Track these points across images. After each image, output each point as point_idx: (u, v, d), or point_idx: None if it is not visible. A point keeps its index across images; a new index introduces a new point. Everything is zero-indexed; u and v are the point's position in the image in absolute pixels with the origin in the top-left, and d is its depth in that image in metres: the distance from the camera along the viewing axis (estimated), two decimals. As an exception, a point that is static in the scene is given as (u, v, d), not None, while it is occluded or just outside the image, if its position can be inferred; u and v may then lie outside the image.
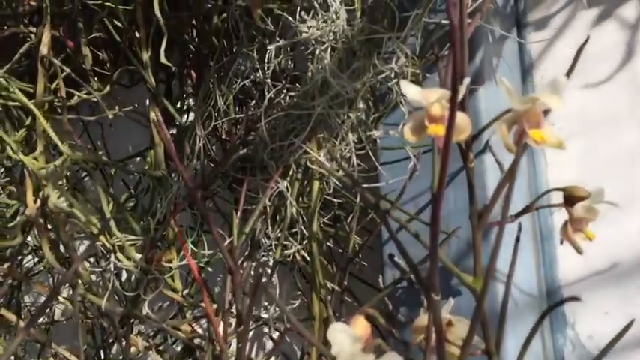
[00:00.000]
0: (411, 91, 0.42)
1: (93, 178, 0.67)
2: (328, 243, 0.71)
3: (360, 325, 0.44)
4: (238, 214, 0.58)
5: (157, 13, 0.64)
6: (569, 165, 0.71)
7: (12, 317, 0.68)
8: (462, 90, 0.40)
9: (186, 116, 0.82)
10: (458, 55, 0.33)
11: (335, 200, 0.70)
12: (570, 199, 0.49)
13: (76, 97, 0.74)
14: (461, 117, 0.42)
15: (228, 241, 0.60)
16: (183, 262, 0.67)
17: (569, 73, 0.47)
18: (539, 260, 0.70)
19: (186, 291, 0.70)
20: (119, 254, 0.62)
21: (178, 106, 0.82)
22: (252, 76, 0.72)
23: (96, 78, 0.83)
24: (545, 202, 0.64)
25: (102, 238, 0.63)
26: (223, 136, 0.77)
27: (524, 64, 0.75)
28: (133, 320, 0.64)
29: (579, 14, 0.72)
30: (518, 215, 0.52)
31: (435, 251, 0.42)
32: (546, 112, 0.43)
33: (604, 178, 0.69)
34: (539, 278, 0.69)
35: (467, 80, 0.41)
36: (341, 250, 0.70)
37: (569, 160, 0.71)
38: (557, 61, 0.73)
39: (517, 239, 0.55)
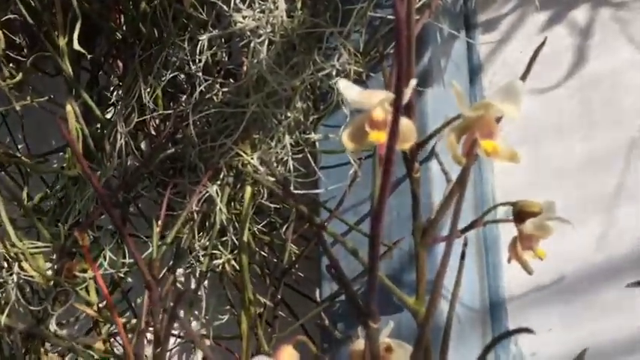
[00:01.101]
0: (350, 92, 0.37)
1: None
2: (262, 252, 0.65)
3: (287, 356, 0.39)
4: (159, 222, 0.52)
5: (72, -5, 0.58)
6: (517, 173, 0.68)
7: None
8: (408, 93, 0.36)
9: (112, 110, 0.75)
10: (403, 54, 0.28)
11: (271, 205, 0.65)
12: (521, 214, 0.45)
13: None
14: (405, 123, 0.38)
15: (147, 252, 0.54)
16: (100, 272, 0.60)
17: (523, 78, 0.43)
18: (482, 272, 0.67)
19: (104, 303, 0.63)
20: (24, 263, 0.55)
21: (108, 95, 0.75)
22: (184, 69, 0.65)
23: (11, 64, 0.75)
24: (492, 213, 0.60)
25: (7, 244, 0.56)
26: (152, 132, 0.71)
27: (473, 66, 0.72)
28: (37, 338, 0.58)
29: (530, 17, 0.69)
30: (464, 230, 0.48)
31: (373, 275, 0.37)
32: (498, 119, 0.39)
33: (552, 188, 0.66)
34: (482, 291, 0.66)
35: (413, 82, 0.37)
36: (276, 260, 0.65)
37: (517, 167, 0.68)
38: (506, 64, 0.70)
39: (462, 256, 0.51)
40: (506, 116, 0.37)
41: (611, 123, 0.65)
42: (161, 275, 0.64)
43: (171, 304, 0.52)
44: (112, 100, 0.76)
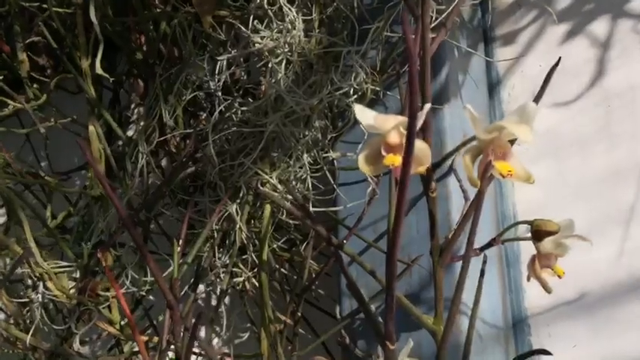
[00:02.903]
0: (365, 116, 0.37)
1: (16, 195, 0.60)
2: (282, 269, 0.65)
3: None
4: (180, 242, 0.53)
5: (93, 19, 0.58)
6: (537, 187, 0.67)
7: None
8: (422, 116, 0.36)
9: (133, 127, 0.76)
10: (415, 81, 0.28)
11: (290, 222, 0.65)
12: (538, 233, 0.44)
13: (8, 108, 0.67)
14: (420, 147, 0.38)
15: (168, 271, 0.54)
16: (122, 291, 0.61)
17: (538, 98, 0.43)
18: (504, 288, 0.67)
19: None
20: (49, 283, 0.56)
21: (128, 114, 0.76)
22: (203, 88, 0.66)
23: (35, 85, 0.77)
24: (512, 230, 0.60)
25: (41, 264, 0.57)
26: (173, 150, 0.72)
27: (492, 80, 0.72)
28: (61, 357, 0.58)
29: (549, 29, 0.69)
30: (483, 249, 0.48)
31: (391, 297, 0.37)
32: (513, 141, 0.39)
33: (573, 201, 0.66)
34: (504, 307, 0.66)
35: (427, 106, 0.37)
36: (296, 277, 0.65)
37: (537, 181, 0.67)
38: (525, 78, 0.70)
39: (482, 273, 0.51)
40: (520, 138, 0.37)
41: (631, 135, 0.64)
42: (182, 293, 0.65)
43: (192, 322, 0.52)
44: (134, 119, 0.77)
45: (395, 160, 0.37)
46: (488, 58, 0.65)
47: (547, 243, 0.46)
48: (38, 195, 0.77)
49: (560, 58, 0.47)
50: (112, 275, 0.56)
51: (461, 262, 0.51)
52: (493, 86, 0.71)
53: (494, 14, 0.71)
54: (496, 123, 0.38)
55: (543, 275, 0.47)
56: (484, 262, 0.50)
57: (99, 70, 0.60)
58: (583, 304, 0.63)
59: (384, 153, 0.37)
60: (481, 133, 0.38)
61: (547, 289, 0.47)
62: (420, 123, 0.37)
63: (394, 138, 0.37)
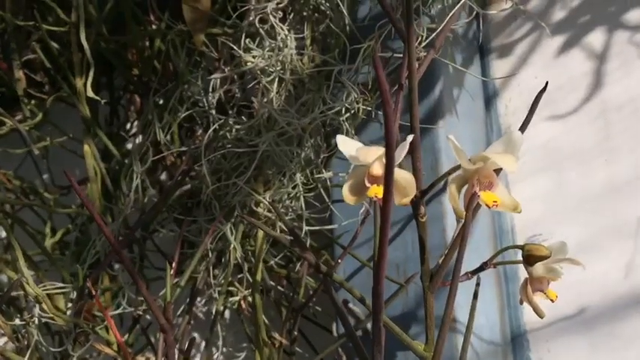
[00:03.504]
0: (348, 148, 0.37)
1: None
2: (279, 286, 0.65)
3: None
4: (173, 264, 0.53)
5: (84, 41, 0.58)
6: (535, 201, 0.67)
7: None
8: (404, 150, 0.36)
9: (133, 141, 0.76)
10: (390, 124, 0.28)
11: (287, 237, 0.65)
12: (530, 258, 0.44)
13: (5, 127, 0.67)
14: (405, 177, 0.38)
15: (162, 292, 0.54)
16: (118, 311, 0.61)
17: (526, 123, 0.43)
18: (502, 303, 0.66)
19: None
20: (44, 304, 0.56)
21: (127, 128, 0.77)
22: (199, 104, 0.66)
23: (33, 101, 0.77)
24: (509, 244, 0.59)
25: (33, 286, 0.57)
26: (170, 166, 0.72)
27: (488, 94, 0.71)
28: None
29: (545, 41, 0.68)
30: (475, 272, 0.47)
31: (378, 328, 0.37)
32: (497, 170, 0.38)
33: (572, 215, 0.65)
34: (502, 323, 0.65)
35: (410, 138, 0.36)
36: (292, 294, 0.65)
37: (535, 195, 0.67)
38: (521, 91, 0.69)
39: (475, 295, 0.50)
40: (505, 168, 0.36)
41: (631, 148, 0.63)
42: (180, 311, 0.65)
43: (187, 345, 0.52)
44: (133, 132, 0.77)
45: (378, 191, 0.37)
46: (481, 77, 0.65)
47: (539, 267, 0.45)
48: (39, 210, 0.78)
49: (547, 83, 0.46)
50: (104, 300, 0.56)
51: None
52: (489, 100, 0.71)
53: (490, 27, 0.70)
54: (480, 153, 0.37)
55: (535, 299, 0.46)
56: (477, 284, 0.50)
57: (90, 93, 0.60)
58: (583, 319, 0.63)
59: (367, 184, 0.37)
60: (465, 163, 0.37)
61: (539, 314, 0.46)
62: (402, 155, 0.37)
63: (377, 169, 0.37)
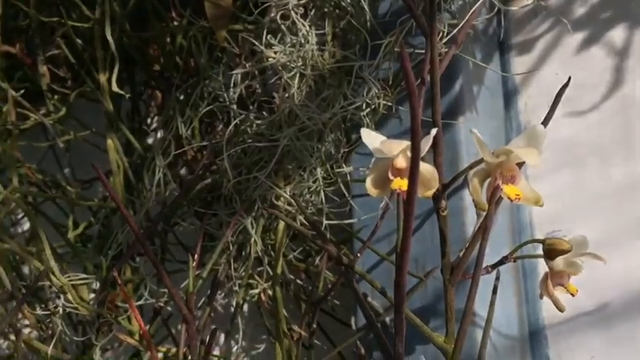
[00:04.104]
0: (372, 141, 0.38)
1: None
2: (299, 280, 0.66)
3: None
4: (195, 256, 0.54)
5: (109, 37, 0.59)
6: (555, 197, 0.67)
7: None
8: (428, 143, 0.36)
9: (154, 136, 0.78)
10: (417, 117, 0.28)
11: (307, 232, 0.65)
12: (550, 252, 0.44)
13: (30, 120, 0.68)
14: (428, 170, 0.38)
15: (184, 283, 0.55)
16: (140, 302, 0.62)
17: (545, 121, 0.43)
18: (521, 298, 0.66)
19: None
20: (69, 294, 0.57)
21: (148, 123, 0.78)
22: (220, 100, 0.67)
23: (57, 96, 0.78)
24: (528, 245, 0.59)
25: (59, 277, 0.58)
26: (191, 160, 0.73)
27: (508, 90, 0.71)
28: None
29: (565, 38, 0.68)
30: (494, 266, 0.48)
31: (400, 319, 0.37)
32: (520, 164, 0.38)
33: (591, 212, 0.65)
34: (521, 319, 0.65)
35: (434, 131, 0.37)
36: (311, 288, 0.65)
37: (554, 191, 0.67)
38: (541, 88, 0.69)
39: (494, 290, 0.50)
40: (528, 162, 0.37)
41: (651, 145, 0.63)
42: (201, 302, 0.65)
43: (208, 337, 0.53)
44: (154, 127, 0.78)
45: (402, 184, 0.37)
46: (501, 73, 0.65)
47: (559, 262, 0.45)
48: (61, 204, 0.79)
49: (570, 78, 0.46)
50: (126, 291, 0.57)
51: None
52: (509, 96, 0.71)
53: (510, 23, 0.70)
54: (504, 147, 0.38)
55: (555, 293, 0.46)
56: (497, 278, 0.50)
57: (115, 88, 0.61)
58: (602, 315, 0.62)
59: (391, 177, 0.38)
60: (488, 156, 0.38)
61: (560, 308, 0.47)
62: (426, 148, 0.37)
63: (401, 162, 0.37)
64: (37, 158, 0.83)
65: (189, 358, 0.52)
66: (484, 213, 0.42)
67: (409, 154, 0.38)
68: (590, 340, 0.62)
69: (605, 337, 0.62)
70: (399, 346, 0.38)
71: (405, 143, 0.37)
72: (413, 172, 0.30)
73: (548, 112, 0.45)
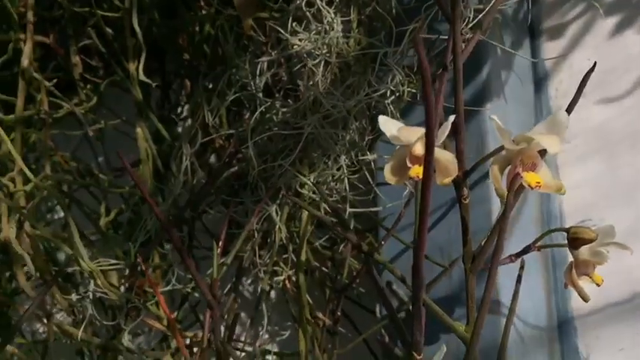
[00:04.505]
0: (389, 128, 0.37)
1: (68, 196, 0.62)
2: (324, 267, 0.66)
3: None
4: (220, 243, 0.54)
5: (136, 26, 0.60)
6: (586, 186, 0.66)
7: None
8: (446, 131, 0.36)
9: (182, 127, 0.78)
10: (431, 109, 0.28)
11: (332, 219, 0.65)
12: (575, 241, 0.43)
13: (62, 110, 0.70)
14: (446, 157, 0.38)
15: (210, 271, 0.56)
16: (168, 288, 0.63)
17: (570, 107, 0.42)
18: (550, 288, 0.65)
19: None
20: (98, 280, 0.59)
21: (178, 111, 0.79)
22: (247, 88, 0.67)
23: (89, 86, 0.80)
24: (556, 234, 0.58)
25: (87, 262, 0.59)
26: (218, 148, 0.73)
27: (538, 76, 0.70)
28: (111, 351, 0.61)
29: (598, 22, 0.66)
30: (518, 255, 0.47)
31: (417, 307, 0.37)
32: (542, 152, 0.38)
33: (623, 200, 0.63)
34: (549, 309, 0.64)
35: (451, 118, 0.36)
36: (336, 275, 0.66)
37: (585, 179, 0.66)
38: (573, 73, 0.68)
39: (518, 279, 0.50)
40: (548, 150, 0.36)
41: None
42: (227, 289, 0.66)
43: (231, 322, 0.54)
44: (184, 115, 0.79)
45: (420, 171, 0.37)
46: (530, 59, 0.63)
47: (584, 251, 0.44)
48: (95, 191, 0.81)
49: (595, 63, 0.45)
50: (155, 277, 0.58)
51: (501, 266, 0.50)
52: (540, 82, 0.69)
53: (541, 8, 0.69)
54: (524, 134, 0.37)
55: (580, 283, 0.45)
56: (521, 267, 0.49)
57: (142, 77, 0.62)
58: (633, 306, 0.61)
59: (409, 164, 0.37)
60: (509, 143, 0.37)
61: (584, 298, 0.46)
62: (444, 135, 0.37)
63: (419, 150, 0.37)
64: (72, 147, 0.85)
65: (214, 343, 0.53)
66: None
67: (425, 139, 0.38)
68: (619, 331, 0.61)
69: (636, 329, 0.60)
70: (417, 335, 0.38)
71: (423, 130, 0.37)
72: (428, 160, 0.30)
73: (573, 98, 0.44)
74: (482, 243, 0.45)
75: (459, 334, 0.43)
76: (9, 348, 0.66)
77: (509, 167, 0.38)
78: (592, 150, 0.66)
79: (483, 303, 0.38)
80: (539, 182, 0.36)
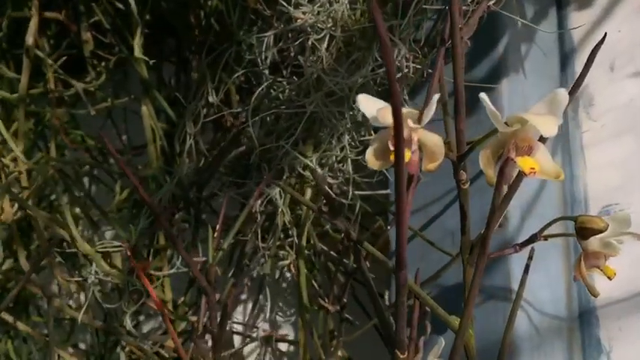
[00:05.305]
0: (369, 108, 0.34)
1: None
2: (332, 252, 0.64)
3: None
4: (217, 227, 0.53)
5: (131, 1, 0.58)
6: (613, 167, 0.61)
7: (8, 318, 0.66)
8: (430, 113, 0.32)
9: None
10: (392, 66, 0.25)
11: (343, 201, 0.63)
12: (583, 231, 0.40)
13: (72, 89, 0.69)
14: (433, 140, 0.35)
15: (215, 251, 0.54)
16: (172, 271, 0.62)
17: (577, 83, 0.38)
18: (570, 277, 0.61)
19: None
20: (95, 262, 0.58)
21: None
22: (257, 65, 0.65)
23: (103, 63, 0.78)
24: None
25: (83, 245, 0.58)
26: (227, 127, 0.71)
27: (565, 49, 0.65)
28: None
29: (630, -10, 0.61)
30: (523, 244, 0.44)
31: (401, 302, 0.35)
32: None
33: (655, 183, 0.59)
34: (569, 298, 0.61)
35: (436, 97, 0.33)
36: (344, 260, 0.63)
37: (613, 160, 0.61)
38: (603, 46, 0.62)
39: (526, 269, 0.46)
40: (542, 132, 0.32)
41: None
42: (231, 273, 0.65)
43: (223, 307, 0.52)
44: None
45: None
46: (548, 31, 0.59)
47: (594, 241, 0.41)
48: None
49: (605, 34, 0.41)
50: (157, 262, 0.57)
51: (511, 254, 0.47)
52: (566, 56, 0.65)
53: (568, -25, 0.64)
54: (517, 114, 0.33)
55: (588, 277, 0.42)
56: (530, 257, 0.46)
57: (138, 54, 0.60)
58: (657, 296, 0.57)
59: (391, 147, 0.34)
60: (501, 125, 0.34)
61: (593, 293, 0.42)
62: (429, 115, 0.34)
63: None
64: (98, 126, 0.83)
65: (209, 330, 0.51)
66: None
67: (411, 122, 0.35)
68: (643, 322, 0.57)
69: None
70: (401, 332, 0.35)
71: (405, 110, 0.33)
72: (398, 144, 0.27)
73: (581, 72, 0.40)
74: (482, 232, 0.41)
75: (452, 328, 0.40)
76: (23, 327, 0.67)
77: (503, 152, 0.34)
78: (621, 129, 0.61)
79: (469, 299, 0.35)
80: (533, 168, 0.33)
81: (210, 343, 0.53)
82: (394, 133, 0.27)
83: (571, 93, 0.39)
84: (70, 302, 0.66)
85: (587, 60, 0.41)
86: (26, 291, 0.70)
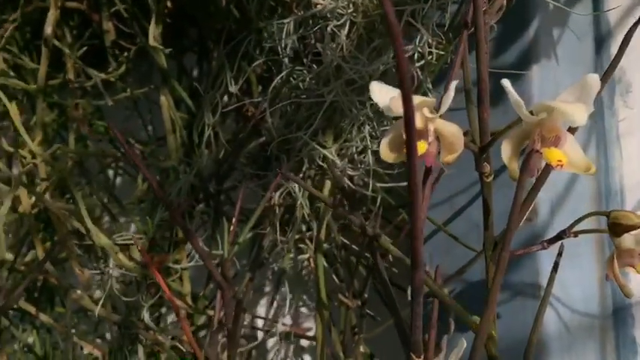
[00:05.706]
0: (381, 97, 0.32)
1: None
2: (353, 245, 0.62)
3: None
4: (233, 220, 0.51)
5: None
6: (652, 158, 0.58)
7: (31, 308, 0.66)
8: (447, 104, 0.30)
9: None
10: (402, 57, 0.23)
11: (367, 193, 0.61)
12: (616, 227, 0.37)
13: (93, 80, 0.68)
14: (451, 131, 0.32)
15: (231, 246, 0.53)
16: (192, 264, 0.61)
17: (611, 68, 0.35)
18: (604, 275, 0.58)
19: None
20: (112, 255, 0.57)
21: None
22: (279, 54, 0.63)
23: (125, 53, 0.77)
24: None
25: (99, 237, 0.58)
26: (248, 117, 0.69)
27: (600, 33, 0.61)
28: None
29: (672, -31, 0.57)
30: (551, 241, 0.41)
31: (417, 303, 0.33)
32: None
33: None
34: (602, 296, 0.58)
35: (453, 84, 0.31)
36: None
37: (652, 151, 0.58)
38: (640, 29, 0.59)
39: (555, 267, 0.44)
40: (572, 121, 0.30)
41: None
42: (249, 267, 0.63)
43: (237, 301, 0.51)
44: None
45: (420, 146, 0.32)
46: (583, 14, 0.56)
47: (627, 238, 0.38)
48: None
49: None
50: (175, 255, 0.56)
51: (540, 250, 0.44)
52: (602, 39, 0.61)
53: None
54: (544, 102, 0.31)
55: (624, 274, 0.39)
56: (559, 254, 0.43)
57: (152, 42, 0.59)
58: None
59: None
60: (525, 114, 0.31)
61: (625, 292, 0.39)
62: (447, 104, 0.32)
63: (417, 122, 0.32)
64: (124, 117, 0.83)
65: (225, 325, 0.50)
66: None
67: (427, 112, 0.32)
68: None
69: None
70: (417, 333, 0.33)
71: (420, 99, 0.31)
72: (409, 133, 0.25)
73: (615, 56, 0.37)
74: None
75: (470, 327, 0.38)
76: (45, 318, 0.67)
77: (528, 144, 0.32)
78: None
79: (490, 294, 0.32)
80: (561, 160, 0.30)
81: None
82: (404, 122, 0.25)
83: (604, 79, 0.36)
84: (95, 294, 0.65)
85: (622, 43, 0.38)
86: (51, 282, 0.69)
